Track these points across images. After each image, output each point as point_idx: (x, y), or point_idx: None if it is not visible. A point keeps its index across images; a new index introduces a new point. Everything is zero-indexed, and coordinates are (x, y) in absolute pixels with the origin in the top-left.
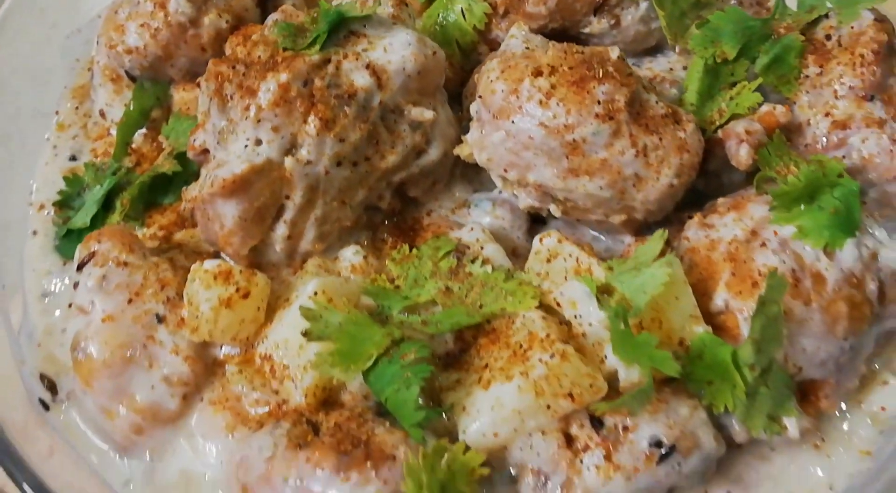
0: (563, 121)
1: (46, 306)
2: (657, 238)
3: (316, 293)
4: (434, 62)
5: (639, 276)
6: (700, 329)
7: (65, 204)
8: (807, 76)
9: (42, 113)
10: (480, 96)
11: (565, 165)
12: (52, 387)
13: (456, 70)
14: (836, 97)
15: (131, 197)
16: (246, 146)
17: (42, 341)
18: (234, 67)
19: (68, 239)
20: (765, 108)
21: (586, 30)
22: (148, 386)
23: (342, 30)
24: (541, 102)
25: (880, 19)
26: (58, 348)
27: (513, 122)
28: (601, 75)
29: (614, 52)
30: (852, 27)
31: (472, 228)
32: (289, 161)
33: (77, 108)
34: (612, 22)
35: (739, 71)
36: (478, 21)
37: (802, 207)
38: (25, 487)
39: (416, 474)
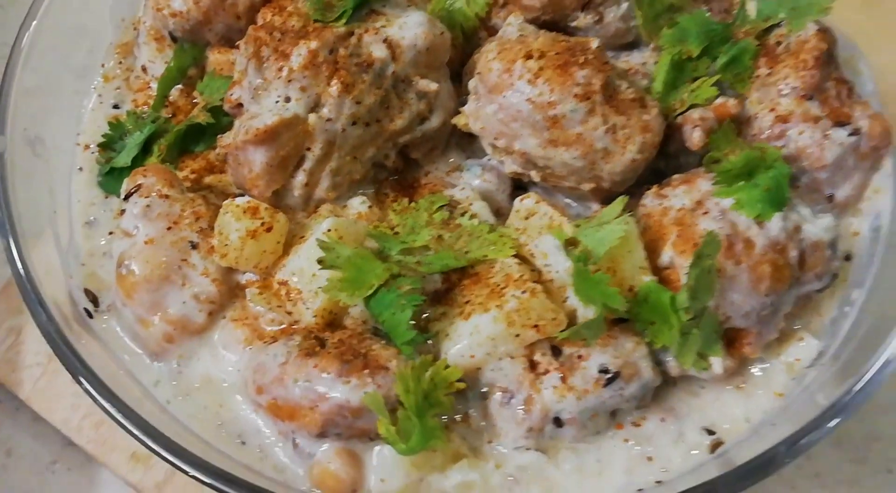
0: (547, 98)
1: (89, 232)
2: (619, 202)
3: (330, 230)
4: (441, 40)
5: (600, 231)
6: (647, 278)
7: (108, 146)
8: (758, 76)
9: (89, 66)
10: (479, 73)
11: (546, 137)
12: (94, 300)
13: (458, 51)
14: (781, 95)
15: (168, 143)
16: (277, 102)
17: (85, 261)
18: (271, 33)
19: (110, 176)
20: (719, 100)
21: (573, 23)
22: (180, 301)
23: (364, 7)
24: (529, 80)
25: (823, 30)
26: (98, 268)
27: (504, 96)
28: (581, 62)
29: (594, 43)
30: (799, 36)
31: (463, 188)
32: (312, 117)
33: (121, 62)
34: (597, 18)
35: (701, 68)
36: (480, 9)
37: (741, 183)
38: (82, 380)
39: (405, 381)
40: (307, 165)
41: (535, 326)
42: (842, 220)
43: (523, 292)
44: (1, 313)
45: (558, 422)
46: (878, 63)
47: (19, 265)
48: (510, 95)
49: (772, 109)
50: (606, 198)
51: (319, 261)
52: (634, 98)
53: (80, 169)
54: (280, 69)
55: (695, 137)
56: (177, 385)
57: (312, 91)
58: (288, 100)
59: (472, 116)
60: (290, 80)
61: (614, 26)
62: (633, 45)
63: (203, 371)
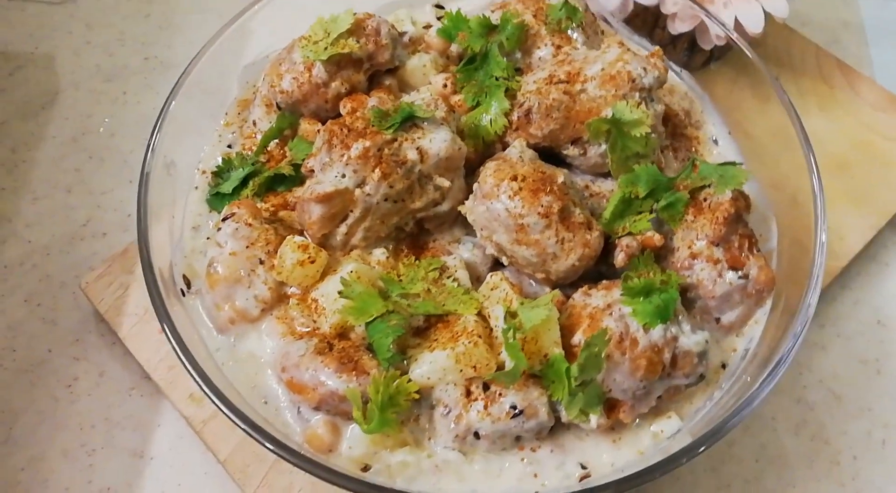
0: (519, 211)
1: (194, 234)
2: (551, 294)
3: (352, 271)
4: (458, 153)
5: (532, 311)
6: (557, 350)
7: (218, 174)
8: (686, 220)
9: (217, 112)
10: (478, 182)
11: (514, 237)
12: (188, 284)
13: (479, 155)
14: (697, 238)
15: (260, 181)
16: (336, 177)
17: (187, 255)
18: (341, 129)
19: (215, 197)
20: (649, 233)
21: (565, 151)
22: (244, 298)
23: (410, 121)
24: (510, 196)
25: (736, 197)
26: (195, 262)
27: (491, 202)
28: (548, 190)
29: (560, 178)
30: (719, 197)
31: (454, 257)
32: (357, 191)
33: (239, 113)
34: (582, 152)
35: (645, 206)
36: (498, 129)
37: (641, 298)
38: (167, 332)
39: (377, 384)
40: (349, 221)
41: (474, 366)
42: (725, 338)
43: (470, 341)
44: (117, 271)
45: (477, 435)
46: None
47: (144, 242)
48: (495, 203)
49: (689, 247)
50: (555, 285)
51: (340, 292)
52: (583, 222)
53: (196, 188)
54: (342, 155)
55: (618, 258)
56: (230, 354)
57: (361, 174)
58: (344, 177)
59: (468, 210)
60: (346, 164)
61: (594, 160)
62: (608, 175)
63: (250, 348)
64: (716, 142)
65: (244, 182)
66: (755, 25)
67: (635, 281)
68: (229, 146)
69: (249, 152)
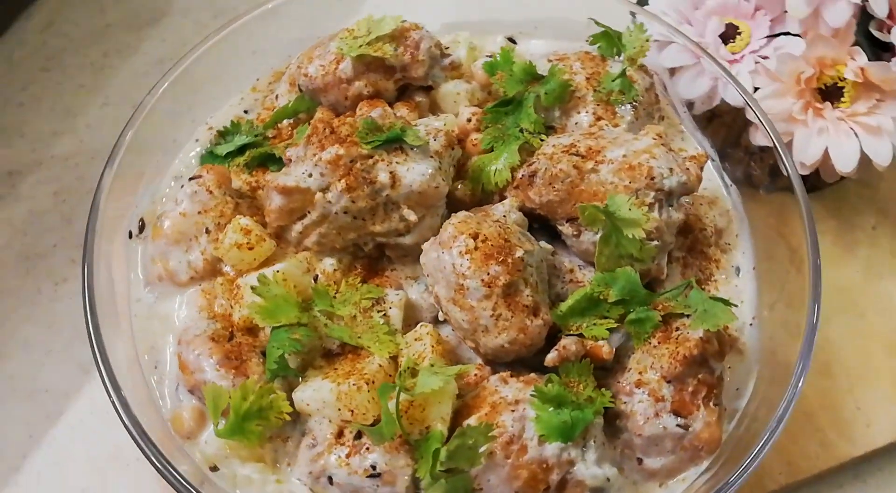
0: (464, 270)
1: (173, 184)
2: (457, 368)
3: (278, 272)
4: (433, 191)
5: (429, 376)
6: (440, 427)
7: (222, 135)
8: (649, 342)
9: (248, 77)
10: (442, 227)
11: (452, 295)
12: (141, 228)
13: (475, 200)
14: (651, 367)
15: (255, 155)
16: (303, 173)
17: (156, 200)
18: (324, 128)
19: (208, 156)
20: (600, 342)
21: (560, 228)
22: (177, 260)
23: (395, 143)
24: (461, 252)
25: (705, 339)
26: (159, 209)
27: (443, 252)
28: (500, 260)
29: (518, 253)
30: (689, 333)
31: (399, 294)
32: (318, 195)
33: (269, 83)
34: (576, 233)
35: (614, 312)
36: (500, 181)
37: (551, 408)
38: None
39: (245, 391)
40: (305, 221)
41: (351, 410)
42: (645, 483)
43: (356, 383)
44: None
45: (330, 480)
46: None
47: (110, 168)
48: (445, 254)
49: (639, 373)
50: (489, 362)
51: (252, 287)
52: (528, 305)
53: (197, 140)
54: (314, 155)
55: (549, 356)
56: (147, 308)
57: (327, 179)
58: (310, 176)
59: (424, 252)
60: (315, 165)
61: (586, 245)
62: None
63: (167, 311)
64: (737, 271)
65: (241, 150)
66: (845, 165)
67: (550, 388)
68: (245, 111)
69: (260, 124)
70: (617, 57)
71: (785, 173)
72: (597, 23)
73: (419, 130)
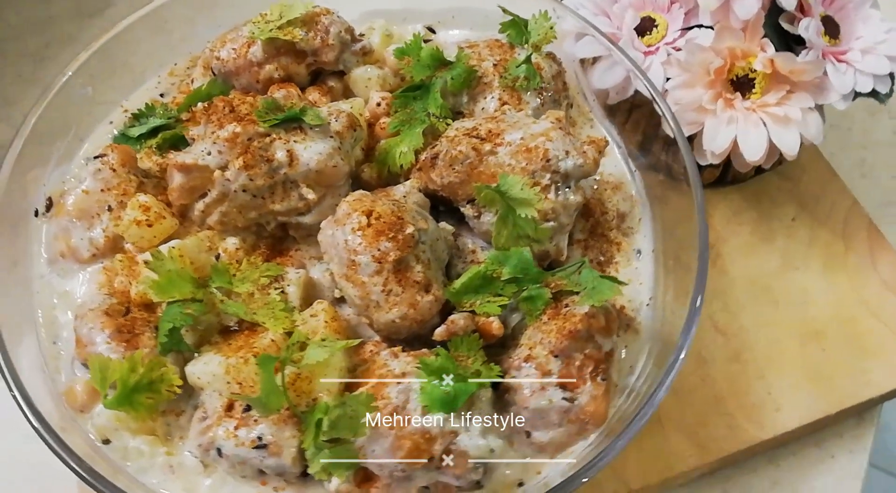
0: (355, 247)
1: (84, 164)
2: (346, 342)
3: (173, 248)
4: (332, 171)
5: (317, 349)
6: (326, 399)
7: (136, 117)
8: (541, 319)
9: (168, 61)
10: (339, 205)
11: (344, 271)
12: (48, 206)
13: (381, 182)
14: (540, 342)
15: (166, 137)
16: (202, 151)
17: (65, 180)
18: (224, 106)
19: (121, 137)
20: (491, 318)
21: (462, 209)
22: (79, 237)
23: (294, 122)
24: (353, 229)
25: (592, 314)
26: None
27: (337, 229)
28: (391, 236)
29: (409, 229)
30: (575, 309)
31: (299, 272)
32: (217, 173)
33: (187, 69)
34: (476, 214)
35: (507, 290)
36: (405, 163)
37: (435, 380)
38: None
39: (137, 362)
40: (207, 199)
41: (239, 383)
42: (536, 456)
43: (243, 356)
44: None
45: (219, 452)
46: None
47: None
48: (339, 231)
49: (529, 348)
50: (385, 338)
51: (146, 262)
52: (419, 281)
53: (111, 123)
54: (213, 133)
55: (437, 331)
56: (49, 285)
57: (224, 157)
58: (209, 154)
59: (322, 229)
60: (214, 143)
61: (486, 226)
62: None
63: (69, 287)
64: (638, 254)
65: (154, 132)
66: (752, 154)
67: (434, 360)
68: (162, 95)
69: (174, 107)
70: (525, 45)
71: (683, 166)
72: (505, 11)
73: (322, 110)
